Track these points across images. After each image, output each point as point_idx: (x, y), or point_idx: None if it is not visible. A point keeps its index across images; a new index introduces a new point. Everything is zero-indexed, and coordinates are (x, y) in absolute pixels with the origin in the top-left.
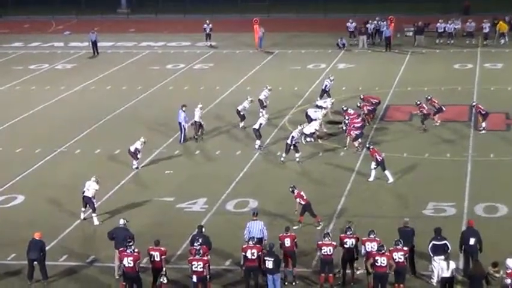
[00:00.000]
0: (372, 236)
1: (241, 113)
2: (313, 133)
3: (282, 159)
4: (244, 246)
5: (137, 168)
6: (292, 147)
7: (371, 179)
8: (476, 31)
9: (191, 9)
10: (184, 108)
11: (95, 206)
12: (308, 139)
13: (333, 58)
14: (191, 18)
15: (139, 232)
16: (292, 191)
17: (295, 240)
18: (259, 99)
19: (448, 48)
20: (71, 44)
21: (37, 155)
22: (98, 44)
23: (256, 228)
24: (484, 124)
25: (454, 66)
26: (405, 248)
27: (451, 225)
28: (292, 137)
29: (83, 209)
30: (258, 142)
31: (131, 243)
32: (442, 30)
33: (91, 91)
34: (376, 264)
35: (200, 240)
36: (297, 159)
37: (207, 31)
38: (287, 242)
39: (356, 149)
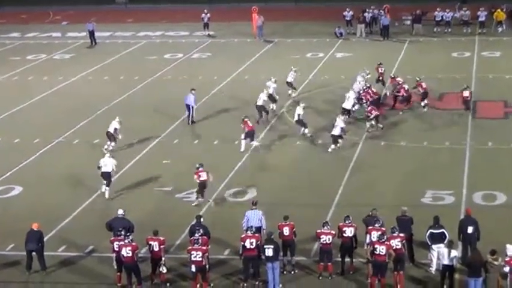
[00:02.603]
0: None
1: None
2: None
3: (330, 150)
4: (242, 236)
5: (111, 150)
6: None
7: (242, 149)
8: (473, 19)
9: None
10: (193, 92)
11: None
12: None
13: (331, 47)
14: (189, 7)
15: (137, 222)
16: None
17: (294, 229)
18: (288, 82)
19: (446, 37)
20: (69, 34)
21: (35, 146)
22: (96, 34)
23: (255, 217)
24: (424, 103)
25: (452, 54)
26: (401, 235)
27: (449, 213)
28: (341, 128)
29: (104, 187)
30: (306, 131)
31: (128, 234)
32: (440, 18)
33: (88, 81)
34: (375, 252)
35: (201, 230)
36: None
37: (205, 20)
38: (286, 231)
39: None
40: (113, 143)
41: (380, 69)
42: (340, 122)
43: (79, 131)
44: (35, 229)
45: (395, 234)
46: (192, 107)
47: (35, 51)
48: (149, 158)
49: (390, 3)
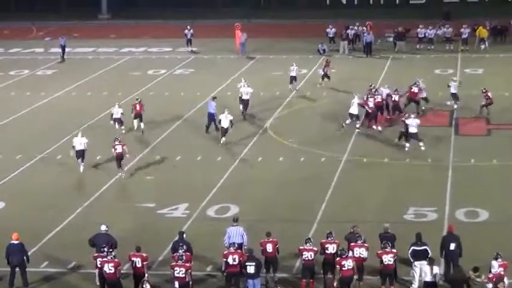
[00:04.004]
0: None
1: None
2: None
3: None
4: (225, 252)
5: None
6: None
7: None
8: (456, 36)
9: (172, 15)
10: (214, 100)
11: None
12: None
13: (314, 63)
14: (172, 23)
15: (120, 238)
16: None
17: (277, 245)
18: (291, 76)
19: (429, 54)
20: (52, 50)
21: (18, 162)
22: (79, 50)
23: (236, 233)
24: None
25: (435, 71)
26: (393, 250)
27: (432, 230)
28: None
29: (79, 162)
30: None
31: (110, 250)
32: (423, 35)
33: (71, 97)
34: (343, 268)
35: (184, 246)
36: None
37: (188, 36)
38: (269, 248)
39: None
40: (123, 127)
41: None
42: (356, 100)
43: (62, 147)
44: (15, 242)
45: (387, 250)
46: (214, 115)
47: (18, 66)
48: (131, 174)
49: (373, 20)
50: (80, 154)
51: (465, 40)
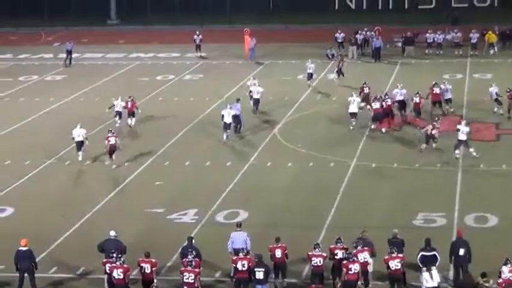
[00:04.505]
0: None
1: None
2: None
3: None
4: (234, 258)
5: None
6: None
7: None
8: (465, 41)
9: (181, 20)
10: (239, 102)
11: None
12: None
13: (323, 68)
14: (181, 29)
15: (129, 244)
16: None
17: (286, 251)
18: (309, 73)
19: (437, 59)
20: (61, 56)
21: (26, 167)
22: (88, 55)
23: (240, 239)
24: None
25: (444, 76)
26: (400, 255)
27: (441, 235)
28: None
29: (79, 153)
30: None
31: (119, 256)
32: (431, 40)
33: (80, 103)
34: (349, 272)
35: (194, 252)
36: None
37: (197, 42)
38: (278, 253)
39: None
40: (119, 120)
41: (365, 89)
42: (356, 98)
43: (70, 153)
44: (23, 248)
45: (394, 255)
46: (240, 116)
47: (27, 72)
48: (141, 179)
49: (382, 24)
50: (79, 145)
51: (474, 45)
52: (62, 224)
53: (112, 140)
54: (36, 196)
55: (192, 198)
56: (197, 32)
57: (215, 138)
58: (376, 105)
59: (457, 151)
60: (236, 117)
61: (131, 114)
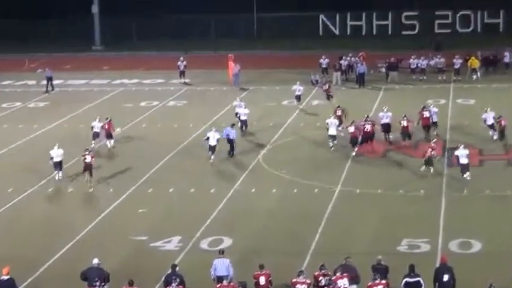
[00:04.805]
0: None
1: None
2: None
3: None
4: (218, 286)
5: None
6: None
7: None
8: (448, 67)
9: (166, 46)
10: (233, 127)
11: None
12: None
13: (307, 95)
14: (166, 55)
15: (113, 271)
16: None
17: (270, 278)
18: (297, 95)
19: (421, 84)
20: (44, 82)
21: (9, 195)
22: (71, 82)
23: (223, 265)
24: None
25: (427, 102)
26: (383, 281)
27: (425, 261)
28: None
29: (56, 172)
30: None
31: (103, 284)
32: (415, 66)
33: (64, 129)
34: None
35: (178, 279)
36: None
37: (181, 68)
38: (262, 281)
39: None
40: (94, 141)
41: (337, 111)
42: (333, 121)
43: (54, 180)
44: (5, 277)
45: (377, 281)
46: (233, 141)
47: (10, 99)
48: (125, 206)
49: (366, 50)
50: (58, 165)
51: (457, 70)
52: (46, 252)
53: (88, 159)
54: (19, 224)
55: (176, 225)
56: (181, 58)
57: (199, 165)
58: (351, 129)
59: (464, 175)
60: (230, 142)
61: (109, 135)
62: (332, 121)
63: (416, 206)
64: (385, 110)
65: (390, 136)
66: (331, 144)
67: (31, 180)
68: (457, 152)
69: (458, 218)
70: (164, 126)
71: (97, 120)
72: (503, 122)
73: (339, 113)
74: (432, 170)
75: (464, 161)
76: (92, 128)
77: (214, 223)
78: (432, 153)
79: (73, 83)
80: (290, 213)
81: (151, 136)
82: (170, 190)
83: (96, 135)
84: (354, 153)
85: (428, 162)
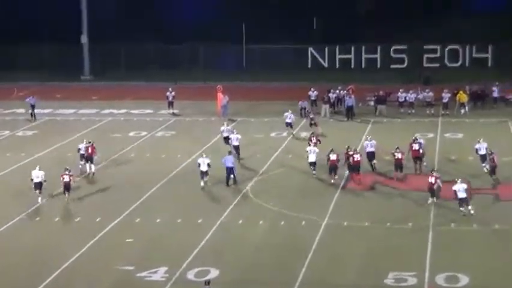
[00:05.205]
0: None
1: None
2: None
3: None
4: None
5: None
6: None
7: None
8: (436, 101)
9: (155, 77)
10: (230, 154)
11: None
12: None
13: (296, 126)
14: (154, 85)
15: None
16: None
17: None
18: (287, 123)
19: (409, 118)
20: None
21: None
22: (60, 111)
23: None
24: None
25: (415, 135)
26: None
27: None
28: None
29: (37, 193)
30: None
31: None
32: (403, 99)
33: (52, 158)
34: None
35: None
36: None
37: (170, 99)
38: None
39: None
40: (82, 162)
41: (312, 139)
42: (312, 148)
43: (41, 208)
44: None
45: None
46: (233, 169)
47: None
48: (111, 235)
49: (354, 83)
50: (38, 186)
51: (446, 104)
52: (33, 280)
53: (66, 178)
54: (5, 252)
55: (163, 255)
56: (170, 89)
57: (187, 195)
58: (333, 156)
59: (462, 208)
60: (230, 170)
61: (90, 159)
62: (311, 148)
63: (404, 239)
64: (369, 138)
65: (374, 161)
66: (314, 171)
67: (18, 208)
68: (454, 187)
69: (445, 251)
70: (152, 156)
71: (84, 142)
72: (495, 158)
73: (314, 140)
74: (431, 201)
75: (462, 195)
76: (79, 150)
77: (201, 254)
78: (437, 181)
79: (62, 112)
80: (277, 245)
81: (140, 166)
82: (158, 220)
83: (82, 157)
84: (332, 181)
85: (432, 193)
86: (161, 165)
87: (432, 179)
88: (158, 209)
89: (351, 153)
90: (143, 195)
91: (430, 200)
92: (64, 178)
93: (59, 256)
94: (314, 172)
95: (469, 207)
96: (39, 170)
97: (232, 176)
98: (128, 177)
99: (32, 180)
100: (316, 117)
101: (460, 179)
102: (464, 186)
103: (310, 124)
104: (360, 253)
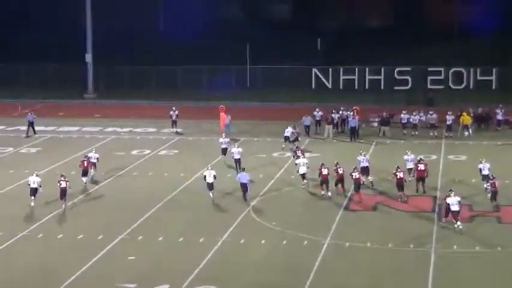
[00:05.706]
0: None
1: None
2: None
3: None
4: None
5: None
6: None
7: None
8: (440, 123)
9: (158, 96)
10: (244, 171)
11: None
12: None
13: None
14: (158, 104)
15: None
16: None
17: None
18: (286, 136)
19: (413, 139)
20: (36, 128)
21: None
22: (64, 129)
23: None
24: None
25: (419, 157)
26: None
27: None
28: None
29: (32, 198)
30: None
31: None
32: (406, 121)
33: (55, 175)
34: None
35: None
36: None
37: (173, 118)
38: None
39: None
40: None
41: (297, 152)
42: (302, 160)
43: (44, 225)
44: None
45: None
46: (247, 185)
47: (2, 144)
48: (113, 253)
49: (358, 104)
50: (33, 192)
51: (449, 126)
52: None
53: (63, 184)
54: (8, 269)
55: (164, 273)
56: (173, 108)
57: (189, 214)
58: (325, 171)
59: (455, 225)
60: (244, 186)
61: (85, 173)
62: (302, 161)
63: (405, 260)
64: (363, 153)
65: (369, 178)
66: (305, 181)
67: (21, 225)
68: (448, 200)
69: (447, 274)
70: (155, 174)
71: (93, 151)
72: (496, 184)
73: (298, 153)
74: (444, 220)
75: (455, 208)
76: (89, 158)
77: (202, 273)
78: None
79: (65, 130)
80: (279, 265)
81: (142, 184)
82: (160, 238)
83: (94, 166)
84: (323, 192)
85: (446, 212)
86: (164, 184)
87: (455, 206)
88: (161, 227)
89: (337, 167)
90: (145, 214)
91: (444, 220)
92: (60, 184)
93: (61, 273)
94: (304, 184)
95: (458, 222)
96: (37, 176)
97: (245, 192)
98: (131, 195)
99: (28, 185)
100: (301, 134)
101: (453, 192)
102: (458, 199)
103: (295, 139)
104: (361, 274)
